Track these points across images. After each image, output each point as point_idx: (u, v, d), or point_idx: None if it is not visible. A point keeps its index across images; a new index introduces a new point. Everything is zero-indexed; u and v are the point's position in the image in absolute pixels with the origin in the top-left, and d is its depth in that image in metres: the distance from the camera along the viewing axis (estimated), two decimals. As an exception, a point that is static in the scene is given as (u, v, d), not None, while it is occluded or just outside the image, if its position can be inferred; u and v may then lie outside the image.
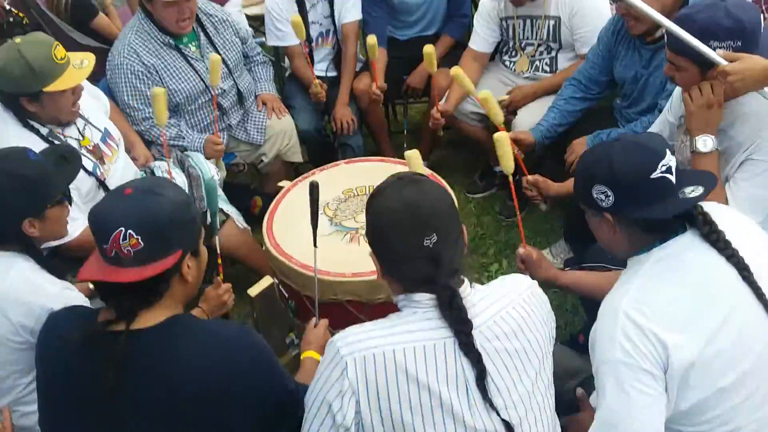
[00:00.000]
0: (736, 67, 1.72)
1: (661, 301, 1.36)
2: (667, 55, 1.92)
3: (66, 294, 1.76)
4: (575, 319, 2.76)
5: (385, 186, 1.43)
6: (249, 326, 1.78)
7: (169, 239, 1.38)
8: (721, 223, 1.45)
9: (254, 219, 3.06)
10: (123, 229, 1.33)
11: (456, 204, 1.49)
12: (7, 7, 3.88)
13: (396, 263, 1.39)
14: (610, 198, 1.43)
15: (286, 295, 2.28)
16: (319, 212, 2.46)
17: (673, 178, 1.42)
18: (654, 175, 1.40)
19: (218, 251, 2.21)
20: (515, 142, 2.68)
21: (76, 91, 2.33)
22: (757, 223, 1.78)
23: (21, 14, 3.80)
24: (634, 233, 1.47)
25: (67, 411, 1.40)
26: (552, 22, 2.98)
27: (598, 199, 1.45)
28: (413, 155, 2.18)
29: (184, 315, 1.46)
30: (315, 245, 1.95)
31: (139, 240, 1.34)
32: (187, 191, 2.63)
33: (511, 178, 2.17)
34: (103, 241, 1.36)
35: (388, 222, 1.37)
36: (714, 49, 1.78)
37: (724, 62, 1.74)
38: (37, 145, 2.17)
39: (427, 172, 2.49)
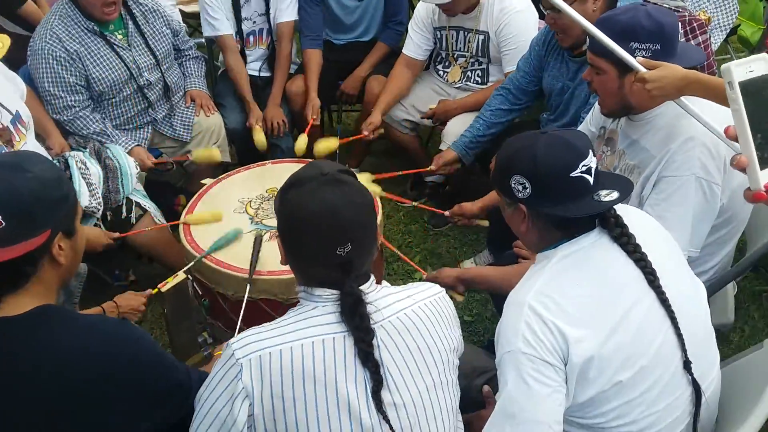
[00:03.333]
0: (654, 75, 1.70)
1: (565, 296, 1.36)
2: (588, 57, 1.91)
3: None
4: (493, 326, 2.74)
5: (306, 178, 1.32)
6: (129, 321, 1.68)
7: (35, 218, 1.28)
8: (631, 225, 1.45)
9: (178, 217, 2.97)
10: None
11: (378, 208, 1.41)
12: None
13: (302, 262, 1.34)
14: (527, 190, 1.41)
15: (200, 293, 2.19)
16: (241, 211, 2.41)
17: (591, 179, 1.41)
18: (573, 174, 1.38)
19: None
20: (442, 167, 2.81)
21: None
22: (689, 241, 1.80)
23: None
24: (545, 228, 1.45)
25: None
26: (481, 37, 3.00)
27: (515, 189, 1.43)
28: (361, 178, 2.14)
29: (56, 305, 1.35)
30: (249, 283, 1.99)
31: (0, 219, 1.24)
32: (101, 183, 2.54)
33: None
34: None
35: (302, 222, 1.29)
36: (634, 51, 1.78)
37: (642, 69, 1.73)
38: None
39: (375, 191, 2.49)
